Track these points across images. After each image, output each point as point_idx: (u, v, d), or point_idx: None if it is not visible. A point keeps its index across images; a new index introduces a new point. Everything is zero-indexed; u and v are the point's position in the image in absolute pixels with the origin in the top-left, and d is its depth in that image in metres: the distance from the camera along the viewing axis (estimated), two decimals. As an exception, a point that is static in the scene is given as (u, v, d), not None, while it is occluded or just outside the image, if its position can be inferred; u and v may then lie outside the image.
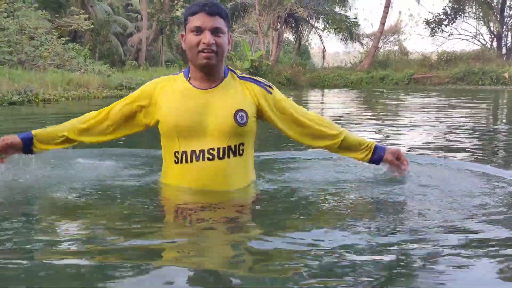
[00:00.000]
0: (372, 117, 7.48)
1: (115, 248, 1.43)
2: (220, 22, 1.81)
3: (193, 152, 1.83)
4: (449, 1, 32.34)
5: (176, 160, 1.87)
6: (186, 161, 1.85)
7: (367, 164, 2.16)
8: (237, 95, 1.90)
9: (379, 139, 4.46)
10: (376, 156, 2.10)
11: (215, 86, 1.89)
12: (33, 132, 1.98)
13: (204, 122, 1.84)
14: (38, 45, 13.95)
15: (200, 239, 1.54)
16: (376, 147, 2.09)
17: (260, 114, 1.96)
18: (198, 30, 1.79)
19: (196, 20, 1.79)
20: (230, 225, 1.72)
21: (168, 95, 1.89)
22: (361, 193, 2.18)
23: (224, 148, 1.84)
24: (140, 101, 1.94)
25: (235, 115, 1.84)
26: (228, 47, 1.89)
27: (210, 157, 1.83)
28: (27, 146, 1.96)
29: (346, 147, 2.07)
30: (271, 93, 1.96)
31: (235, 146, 1.86)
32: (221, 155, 1.83)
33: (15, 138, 1.94)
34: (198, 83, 1.89)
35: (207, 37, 1.77)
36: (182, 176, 1.88)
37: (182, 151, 1.85)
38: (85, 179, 2.35)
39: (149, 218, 1.76)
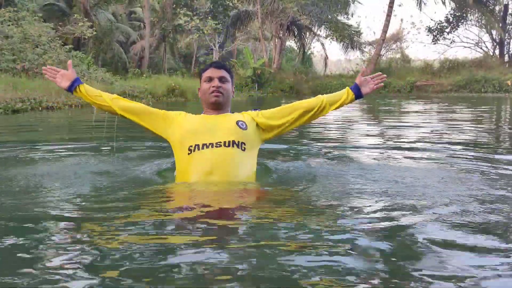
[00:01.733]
0: (374, 119, 7.49)
1: (120, 243, 1.43)
2: (225, 73, 2.45)
3: (204, 144, 2.29)
4: (451, 9, 32.45)
5: (189, 152, 2.31)
6: (198, 149, 2.29)
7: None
8: (238, 116, 2.47)
9: (382, 140, 4.49)
10: (354, 89, 2.53)
11: (221, 113, 2.46)
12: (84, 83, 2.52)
13: (214, 128, 2.34)
14: (42, 53, 14.02)
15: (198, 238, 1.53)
16: (350, 87, 2.54)
17: (260, 128, 2.48)
18: (209, 79, 2.42)
19: (207, 73, 2.45)
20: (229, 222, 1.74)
21: (189, 117, 2.47)
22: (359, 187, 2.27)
23: (229, 141, 2.30)
24: (166, 114, 2.49)
25: (237, 122, 2.38)
26: (232, 94, 2.51)
27: (218, 146, 2.29)
28: (75, 83, 2.45)
29: (333, 100, 2.53)
30: (260, 110, 2.55)
31: (238, 141, 2.32)
32: (226, 144, 2.29)
33: (74, 73, 2.49)
34: (209, 113, 2.47)
35: (216, 82, 2.40)
36: (194, 161, 2.30)
37: (195, 144, 2.30)
38: (95, 173, 2.69)
39: (156, 213, 1.79)
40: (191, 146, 2.30)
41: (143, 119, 2.46)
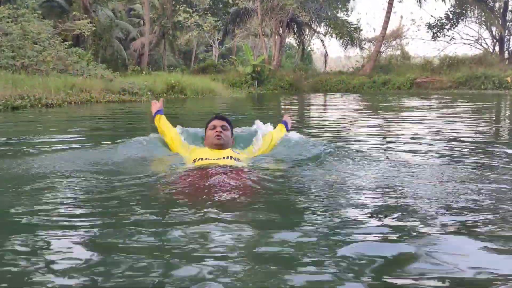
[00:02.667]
0: (374, 113, 7.50)
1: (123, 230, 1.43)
2: (225, 123, 3.22)
3: (207, 158, 2.91)
4: (451, 5, 32.42)
5: (193, 162, 2.91)
6: (201, 160, 2.91)
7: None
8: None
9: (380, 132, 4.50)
10: (285, 124, 3.63)
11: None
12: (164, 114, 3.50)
13: (215, 153, 3.00)
14: (41, 50, 13.99)
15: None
16: (281, 122, 3.62)
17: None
18: (214, 127, 3.17)
19: (212, 123, 3.21)
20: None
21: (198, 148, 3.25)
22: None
23: (227, 156, 2.93)
24: (190, 147, 3.29)
25: (231, 149, 3.13)
26: (231, 140, 3.27)
27: (217, 159, 2.89)
28: (158, 112, 3.47)
29: (278, 133, 3.52)
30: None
31: (234, 157, 2.93)
32: (225, 157, 2.91)
33: (162, 106, 3.54)
34: None
35: (218, 129, 3.14)
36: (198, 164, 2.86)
37: (199, 158, 2.93)
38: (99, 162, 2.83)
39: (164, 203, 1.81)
40: (196, 158, 2.91)
41: (171, 141, 3.34)
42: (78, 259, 1.38)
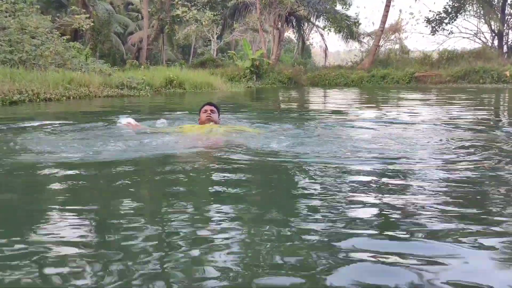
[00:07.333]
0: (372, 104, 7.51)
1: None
2: (214, 108, 4.36)
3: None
4: (450, -1, 32.33)
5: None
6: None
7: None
8: None
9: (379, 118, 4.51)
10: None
11: None
12: None
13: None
14: (39, 45, 13.92)
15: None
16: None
17: None
18: (205, 111, 4.29)
19: (204, 107, 4.35)
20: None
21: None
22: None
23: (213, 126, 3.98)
24: None
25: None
26: (219, 120, 4.39)
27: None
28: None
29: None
30: None
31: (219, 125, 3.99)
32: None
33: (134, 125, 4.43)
34: None
35: (208, 111, 4.29)
36: None
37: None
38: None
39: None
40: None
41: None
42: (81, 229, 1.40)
